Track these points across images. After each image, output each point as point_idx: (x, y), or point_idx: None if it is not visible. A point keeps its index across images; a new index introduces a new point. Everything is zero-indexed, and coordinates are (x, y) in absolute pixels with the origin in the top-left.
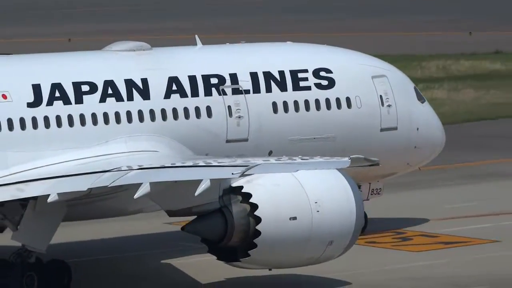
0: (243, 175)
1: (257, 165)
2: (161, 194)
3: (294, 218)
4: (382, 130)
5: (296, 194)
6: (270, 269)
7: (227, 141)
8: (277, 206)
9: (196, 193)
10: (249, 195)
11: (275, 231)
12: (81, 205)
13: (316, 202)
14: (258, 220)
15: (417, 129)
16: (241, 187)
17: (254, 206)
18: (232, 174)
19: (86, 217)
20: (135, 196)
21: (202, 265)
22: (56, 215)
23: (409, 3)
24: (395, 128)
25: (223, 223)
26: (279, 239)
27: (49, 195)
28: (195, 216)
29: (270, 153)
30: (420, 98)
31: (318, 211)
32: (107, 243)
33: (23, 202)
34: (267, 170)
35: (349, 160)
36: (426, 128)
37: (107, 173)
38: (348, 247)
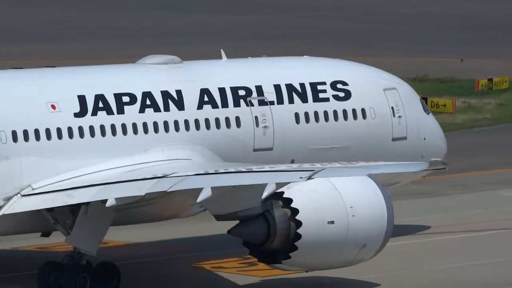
0: (309, 178)
1: (323, 169)
2: (212, 199)
3: (332, 222)
4: (393, 139)
5: (333, 199)
6: (307, 271)
7: (254, 150)
8: (316, 210)
9: (263, 196)
10: (290, 200)
11: (315, 234)
12: (124, 210)
13: (351, 207)
14: (299, 224)
15: (424, 139)
16: (282, 192)
17: (295, 211)
18: (300, 178)
19: (128, 223)
20: (198, 200)
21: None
22: (106, 220)
23: None
24: (405, 138)
25: (266, 227)
26: (318, 242)
27: (103, 200)
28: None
29: (292, 162)
30: (426, 110)
31: (353, 216)
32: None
33: (73, 208)
34: (334, 174)
35: (428, 163)
36: (431, 138)
37: (163, 179)
38: (379, 250)
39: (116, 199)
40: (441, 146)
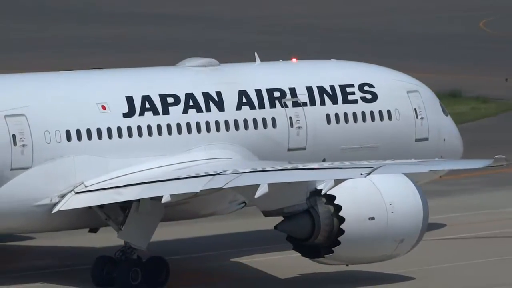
0: (368, 174)
1: (382, 165)
2: (263, 196)
3: (373, 218)
4: (416, 140)
5: (373, 196)
6: (347, 265)
7: (289, 149)
8: (358, 207)
9: (323, 192)
10: (333, 197)
11: (357, 230)
12: (170, 208)
13: (390, 204)
14: (341, 220)
15: (444, 140)
16: None
17: (338, 207)
18: (361, 174)
19: (171, 219)
20: (256, 196)
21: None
22: (156, 216)
23: None
24: (427, 139)
25: (311, 223)
26: (360, 237)
27: (154, 197)
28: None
29: (323, 161)
30: (444, 112)
31: (392, 212)
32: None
33: (123, 205)
34: (393, 171)
35: (492, 159)
36: (450, 139)
37: (216, 176)
38: (415, 245)
39: (172, 195)
40: (458, 147)
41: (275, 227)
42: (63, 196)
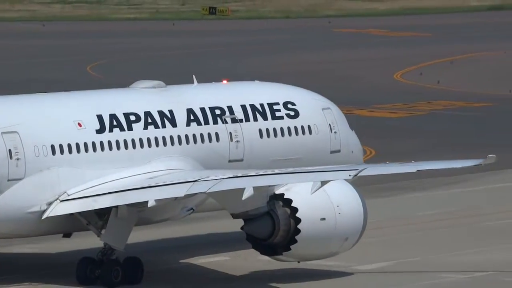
0: (355, 176)
1: (367, 167)
2: (233, 199)
3: (324, 219)
4: (331, 152)
5: (323, 199)
6: (299, 262)
7: (229, 161)
8: (311, 209)
9: (311, 192)
10: (290, 201)
11: (311, 229)
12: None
13: (338, 206)
14: (298, 220)
15: (352, 152)
16: (283, 194)
17: (295, 209)
18: (349, 175)
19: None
20: (243, 198)
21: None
22: (132, 220)
23: None
24: (339, 151)
25: (272, 223)
26: (313, 236)
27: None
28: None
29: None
30: (350, 127)
31: (339, 213)
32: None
33: (100, 211)
34: (379, 171)
35: (482, 159)
36: (356, 151)
37: (197, 182)
38: (356, 243)
39: (156, 200)
40: (361, 159)
41: (242, 228)
42: (50, 204)
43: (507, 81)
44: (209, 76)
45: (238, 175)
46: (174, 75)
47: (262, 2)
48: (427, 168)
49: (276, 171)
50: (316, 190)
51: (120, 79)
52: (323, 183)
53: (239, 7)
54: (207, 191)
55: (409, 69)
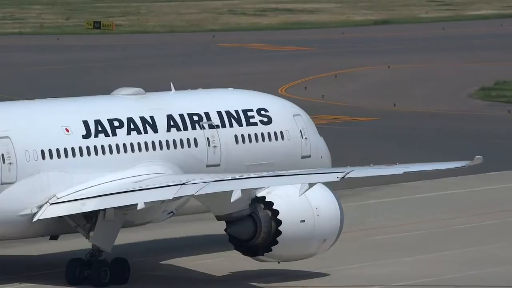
0: (343, 178)
1: (354, 170)
2: (218, 202)
3: (303, 221)
4: (302, 157)
5: (303, 202)
6: (279, 262)
7: (207, 166)
8: (292, 211)
9: (299, 195)
10: (271, 203)
11: (291, 231)
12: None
13: (316, 208)
14: (279, 222)
15: (321, 157)
16: (264, 197)
17: (276, 212)
18: (337, 178)
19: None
20: (232, 200)
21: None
22: (119, 223)
23: None
24: (309, 156)
25: (254, 225)
26: (293, 238)
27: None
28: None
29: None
30: (319, 133)
31: (318, 215)
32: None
33: (87, 214)
34: (365, 173)
35: (468, 161)
36: (324, 156)
37: (184, 185)
38: (333, 245)
39: (145, 203)
40: (329, 163)
41: (225, 230)
42: (40, 207)
43: (392, 96)
44: (96, 91)
45: (225, 178)
46: (58, 89)
47: (146, 17)
48: (413, 170)
49: (264, 173)
50: (304, 192)
51: (5, 93)
52: (311, 185)
53: (123, 21)
54: (195, 194)
55: (294, 83)
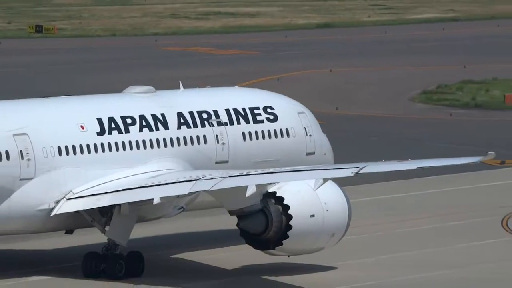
0: (357, 173)
1: (367, 165)
2: (231, 197)
3: (313, 216)
4: (307, 154)
5: (312, 197)
6: (289, 256)
7: (216, 162)
8: (302, 206)
9: (314, 190)
10: (282, 198)
11: (302, 225)
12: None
13: (325, 204)
14: (289, 217)
15: (325, 154)
16: (275, 192)
17: (286, 207)
18: (352, 173)
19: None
20: (247, 194)
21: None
22: (134, 217)
23: None
24: (314, 153)
25: (265, 220)
26: (303, 232)
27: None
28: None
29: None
30: (322, 130)
31: (327, 210)
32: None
33: (102, 209)
34: (379, 169)
35: (481, 156)
36: (328, 153)
37: (199, 181)
38: (341, 239)
39: (161, 197)
40: (332, 160)
41: (237, 224)
42: (57, 202)
43: (334, 99)
44: (37, 94)
45: (237, 174)
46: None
47: (88, 21)
48: (427, 166)
49: (278, 169)
50: (319, 187)
51: None
52: (325, 180)
53: (65, 25)
54: (210, 189)
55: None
